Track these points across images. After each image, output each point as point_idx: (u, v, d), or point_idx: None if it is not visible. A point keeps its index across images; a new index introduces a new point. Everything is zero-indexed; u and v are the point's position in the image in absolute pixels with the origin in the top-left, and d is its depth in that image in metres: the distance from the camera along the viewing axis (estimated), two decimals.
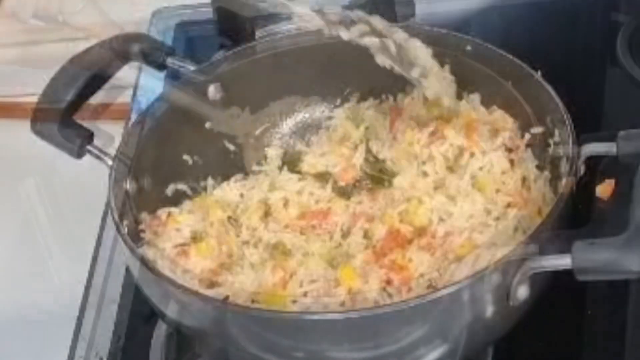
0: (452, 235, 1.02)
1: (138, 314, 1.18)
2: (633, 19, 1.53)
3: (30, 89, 1.20)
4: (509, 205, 1.05)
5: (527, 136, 1.09)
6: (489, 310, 0.90)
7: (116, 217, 0.98)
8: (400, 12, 1.50)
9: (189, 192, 1.13)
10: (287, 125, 1.21)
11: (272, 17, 1.52)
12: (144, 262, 0.95)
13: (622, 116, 1.37)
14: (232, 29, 1.51)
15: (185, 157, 1.14)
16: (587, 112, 1.42)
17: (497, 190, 1.07)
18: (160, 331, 1.15)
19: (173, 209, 1.07)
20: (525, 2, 1.64)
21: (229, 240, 1.07)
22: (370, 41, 1.04)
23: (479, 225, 1.03)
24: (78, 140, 1.07)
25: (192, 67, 1.16)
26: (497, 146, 1.09)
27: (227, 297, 0.97)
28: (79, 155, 1.08)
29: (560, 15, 1.61)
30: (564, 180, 0.98)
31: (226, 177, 1.17)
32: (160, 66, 1.19)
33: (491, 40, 1.43)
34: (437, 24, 1.22)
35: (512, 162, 1.09)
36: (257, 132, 1.19)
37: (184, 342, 0.98)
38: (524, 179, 1.08)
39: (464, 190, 1.06)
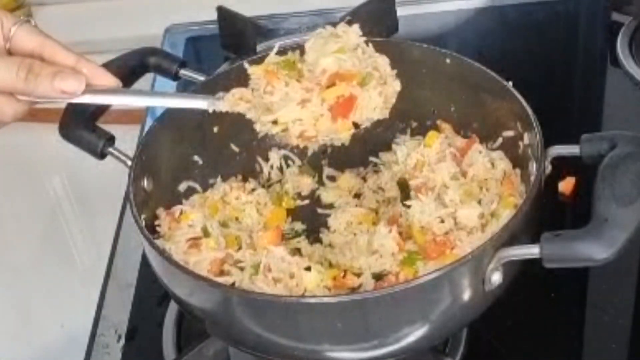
0: None
1: (152, 297, 1.18)
2: (633, 19, 1.49)
3: None
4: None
5: (500, 139, 1.08)
6: (467, 295, 0.89)
7: (135, 211, 0.97)
8: (386, 28, 1.50)
9: (199, 189, 1.12)
10: None
11: (271, 33, 1.52)
12: (162, 253, 0.94)
13: (622, 116, 1.34)
14: (236, 43, 1.51)
15: (196, 157, 1.13)
16: (587, 111, 1.40)
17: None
18: (172, 312, 1.15)
19: (185, 207, 1.06)
20: (525, 3, 1.61)
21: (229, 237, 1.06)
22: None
23: None
24: (100, 143, 1.06)
25: (201, 78, 1.15)
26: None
27: (233, 284, 0.96)
28: (101, 156, 1.06)
29: (561, 15, 1.58)
30: (532, 178, 0.97)
31: (232, 175, 1.16)
32: (174, 77, 1.18)
33: (490, 42, 1.40)
34: (418, 38, 1.21)
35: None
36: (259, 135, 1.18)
37: (193, 322, 0.97)
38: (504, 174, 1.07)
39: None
